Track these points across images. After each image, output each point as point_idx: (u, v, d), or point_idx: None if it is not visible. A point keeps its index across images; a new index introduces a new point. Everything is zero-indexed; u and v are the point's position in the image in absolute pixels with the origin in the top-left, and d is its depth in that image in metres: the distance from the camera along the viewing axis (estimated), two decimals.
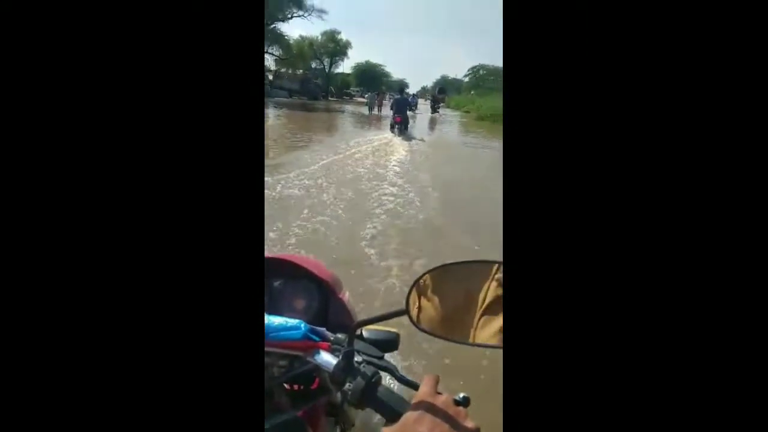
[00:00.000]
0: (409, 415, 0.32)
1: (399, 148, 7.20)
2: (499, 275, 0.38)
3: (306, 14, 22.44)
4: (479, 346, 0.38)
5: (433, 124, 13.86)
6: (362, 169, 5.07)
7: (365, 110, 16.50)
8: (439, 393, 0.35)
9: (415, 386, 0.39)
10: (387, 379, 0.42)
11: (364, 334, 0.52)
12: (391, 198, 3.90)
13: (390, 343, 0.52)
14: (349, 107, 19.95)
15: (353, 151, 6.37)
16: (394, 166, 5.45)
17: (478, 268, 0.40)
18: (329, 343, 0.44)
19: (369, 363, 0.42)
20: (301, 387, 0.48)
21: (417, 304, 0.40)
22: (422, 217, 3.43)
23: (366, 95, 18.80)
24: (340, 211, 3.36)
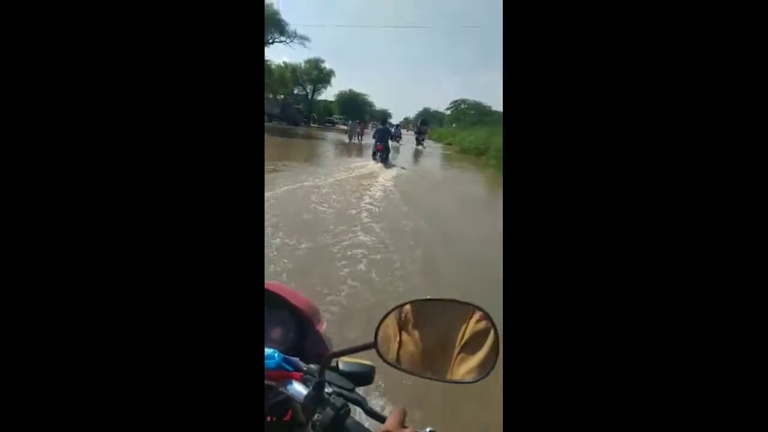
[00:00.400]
0: None
1: (378, 181, 6.26)
2: (476, 317, 0.38)
3: (288, 40, 22.27)
4: (447, 382, 0.38)
5: (417, 156, 13.20)
6: (328, 208, 4.06)
7: (347, 138, 15.88)
8: (405, 426, 0.35)
9: (382, 419, 0.39)
10: (357, 412, 0.42)
11: (340, 366, 0.49)
12: (363, 252, 2.89)
13: (365, 376, 0.49)
14: (330, 134, 19.33)
15: (313, 184, 5.38)
16: (368, 204, 4.46)
17: (452, 307, 0.40)
18: (302, 374, 0.44)
19: (339, 395, 0.42)
20: (274, 419, 0.45)
21: (398, 338, 0.40)
22: (403, 289, 2.38)
23: (348, 123, 18.28)
24: (285, 276, 2.31)
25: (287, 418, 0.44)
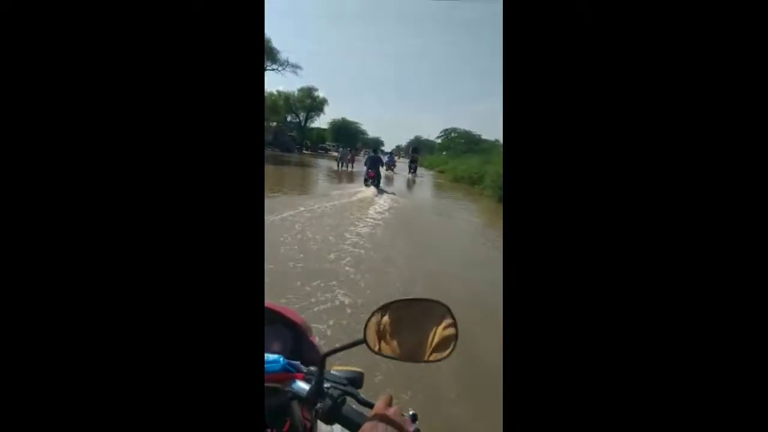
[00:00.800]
0: (366, 426, 0.39)
1: (368, 213, 5.57)
2: (447, 316, 0.47)
3: (280, 68, 22.29)
4: (429, 361, 0.46)
5: (410, 185, 12.64)
6: (298, 252, 3.31)
7: (335, 165, 15.37)
8: (391, 407, 0.41)
9: (372, 405, 0.45)
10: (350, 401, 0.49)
11: (333, 372, 0.55)
12: (339, 321, 2.13)
13: (355, 381, 0.55)
14: (323, 161, 18.90)
15: (289, 214, 4.65)
16: (350, 245, 3.72)
17: (424, 304, 0.48)
18: (303, 374, 0.52)
19: (336, 388, 0.49)
20: (273, 430, 0.51)
21: (383, 332, 0.47)
22: (392, 388, 1.62)
23: (339, 150, 17.92)
24: None
25: (285, 428, 0.50)
